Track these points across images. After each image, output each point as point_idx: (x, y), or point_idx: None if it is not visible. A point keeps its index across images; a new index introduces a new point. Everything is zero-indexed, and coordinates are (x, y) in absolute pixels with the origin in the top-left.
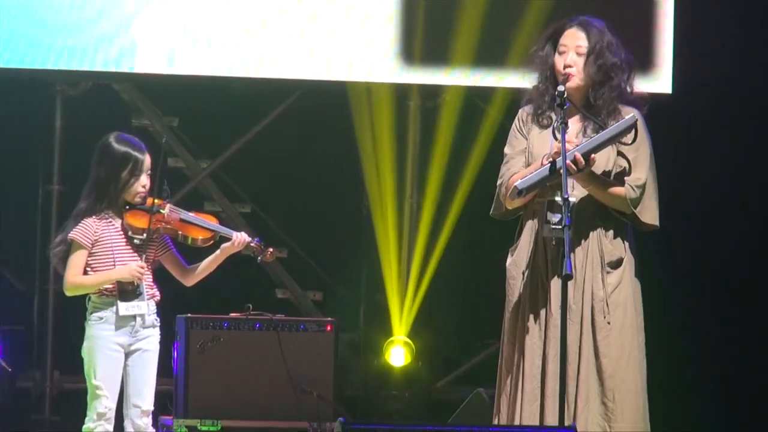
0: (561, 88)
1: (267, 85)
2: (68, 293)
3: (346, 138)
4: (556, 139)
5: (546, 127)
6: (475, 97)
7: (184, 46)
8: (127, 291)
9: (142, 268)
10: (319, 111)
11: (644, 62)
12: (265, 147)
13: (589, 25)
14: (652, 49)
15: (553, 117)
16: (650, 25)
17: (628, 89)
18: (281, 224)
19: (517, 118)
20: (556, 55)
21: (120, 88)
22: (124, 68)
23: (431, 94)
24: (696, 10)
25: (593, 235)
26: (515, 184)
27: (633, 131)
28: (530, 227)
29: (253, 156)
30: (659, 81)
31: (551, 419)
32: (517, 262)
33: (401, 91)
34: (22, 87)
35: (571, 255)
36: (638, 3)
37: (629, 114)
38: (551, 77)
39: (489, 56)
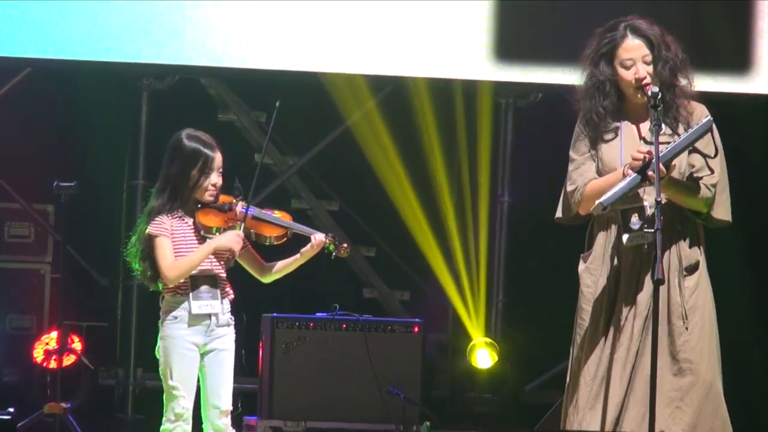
0: (655, 89)
1: (357, 81)
2: (172, 282)
3: (437, 135)
4: (646, 142)
5: (611, 139)
6: (567, 95)
7: (273, 40)
8: (202, 289)
9: (241, 236)
10: (409, 108)
11: (740, 62)
12: (354, 144)
13: (643, 31)
14: (749, 49)
15: (620, 127)
16: (747, 25)
17: (690, 84)
18: (369, 222)
19: (578, 124)
20: (621, 69)
21: (206, 82)
22: (211, 62)
23: (524, 92)
24: None
25: (672, 240)
26: (600, 201)
27: (709, 135)
28: (604, 235)
29: (341, 153)
30: (755, 81)
31: (629, 425)
32: (591, 269)
33: (494, 89)
34: (109, 81)
35: (641, 259)
36: (734, 2)
37: (699, 110)
38: (612, 91)
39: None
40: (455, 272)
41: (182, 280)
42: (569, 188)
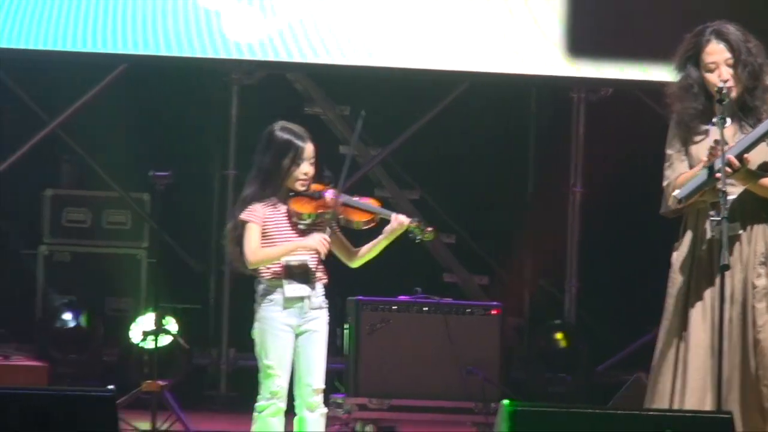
0: (721, 84)
1: (435, 77)
2: (252, 266)
3: (512, 128)
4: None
5: (701, 141)
6: (638, 91)
7: (356, 36)
8: (295, 274)
9: (327, 240)
10: (486, 101)
11: None
12: (434, 135)
13: (726, 35)
14: None
15: (708, 129)
16: None
17: None
18: (448, 210)
19: (672, 123)
20: (706, 73)
21: (293, 77)
22: (297, 59)
23: (595, 87)
24: None
25: (758, 228)
26: (674, 194)
27: None
28: (693, 224)
29: (422, 144)
30: None
31: (708, 405)
32: (681, 256)
33: (566, 85)
34: (201, 76)
35: (730, 247)
36: None
37: None
38: (701, 94)
39: (653, 50)
40: (532, 258)
41: (278, 268)
42: (664, 184)
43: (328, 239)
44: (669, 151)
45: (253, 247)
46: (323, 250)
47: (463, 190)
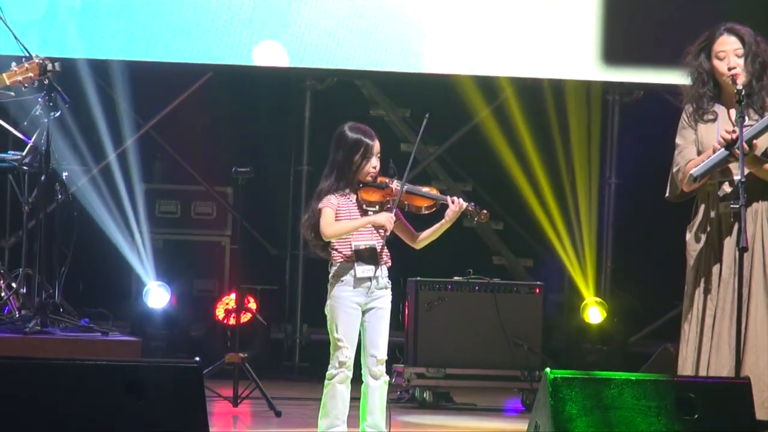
0: (739, 87)
1: (487, 82)
2: (327, 239)
3: (555, 127)
4: (733, 124)
5: (710, 121)
6: (666, 93)
7: (414, 46)
8: (363, 257)
9: (393, 218)
10: (531, 103)
11: None
12: (486, 134)
13: (738, 30)
14: None
15: (717, 111)
16: None
17: None
18: (498, 201)
19: (683, 113)
20: (715, 60)
21: (360, 83)
22: (365, 67)
23: (628, 89)
24: None
25: (762, 209)
26: (691, 172)
27: None
28: (706, 206)
29: (474, 142)
30: None
31: (727, 371)
32: (695, 236)
33: (602, 88)
34: (279, 82)
35: (746, 231)
36: None
37: None
38: (710, 80)
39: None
40: (572, 243)
41: (348, 252)
42: (674, 169)
43: (394, 217)
44: (678, 140)
45: (329, 222)
46: (390, 226)
47: (510, 183)
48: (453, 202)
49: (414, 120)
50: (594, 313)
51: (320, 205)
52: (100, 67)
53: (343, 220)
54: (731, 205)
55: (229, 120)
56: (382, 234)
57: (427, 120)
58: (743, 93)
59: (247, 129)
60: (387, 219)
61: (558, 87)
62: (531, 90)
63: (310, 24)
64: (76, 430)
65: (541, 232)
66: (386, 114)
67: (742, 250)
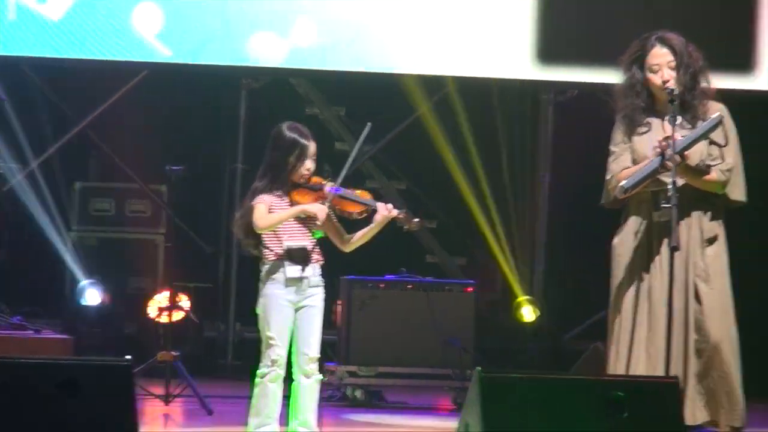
0: (671, 87)
1: (421, 80)
2: (260, 231)
3: (490, 125)
4: (665, 130)
5: (644, 132)
6: (600, 92)
7: (350, 44)
8: (295, 256)
9: (325, 209)
10: (465, 102)
11: (744, 61)
12: (420, 133)
13: (669, 41)
14: (751, 48)
15: (651, 122)
16: (749, 24)
17: (709, 86)
18: (431, 199)
19: (617, 125)
20: (649, 74)
21: (295, 82)
22: (300, 65)
23: (562, 89)
24: None
25: (695, 216)
26: (621, 183)
27: (720, 127)
28: (636, 212)
29: (409, 141)
30: (758, 79)
31: (658, 371)
32: (624, 241)
33: (536, 87)
34: (213, 81)
35: (677, 231)
36: (737, 4)
37: (714, 108)
38: (643, 92)
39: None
40: (506, 241)
41: (280, 251)
42: (607, 177)
43: (327, 210)
44: (613, 148)
45: (261, 214)
46: (322, 216)
47: (445, 181)
48: (384, 210)
49: (349, 118)
50: (527, 311)
51: (253, 203)
52: (35, 65)
53: None
54: (662, 204)
55: (163, 118)
56: (312, 233)
57: (369, 128)
58: (675, 93)
59: (182, 127)
60: (320, 209)
61: (493, 85)
62: (467, 88)
63: (245, 22)
64: (6, 427)
65: (475, 231)
66: (321, 112)
67: (673, 249)
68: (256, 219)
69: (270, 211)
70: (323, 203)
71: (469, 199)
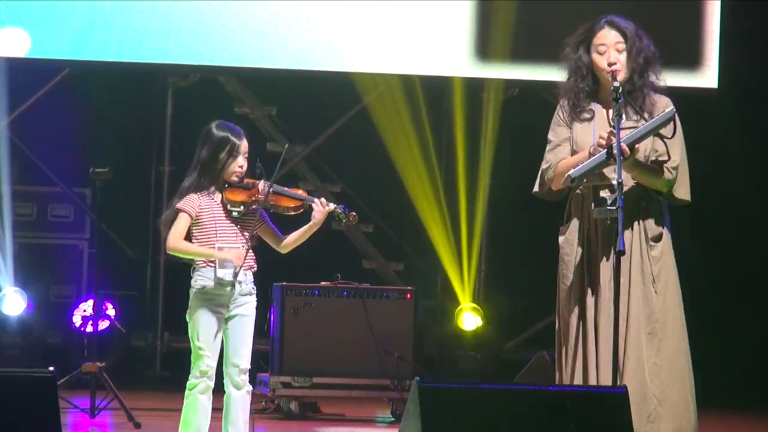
0: (616, 83)
1: (357, 78)
2: (168, 252)
3: (429, 125)
4: (611, 124)
5: (586, 120)
6: (543, 90)
7: (280, 42)
8: (226, 263)
9: (243, 256)
10: (404, 101)
11: (691, 59)
12: (355, 133)
13: (619, 24)
14: (700, 46)
15: (594, 110)
16: (697, 23)
17: (658, 79)
18: (368, 202)
19: (558, 108)
20: (595, 55)
21: (224, 80)
22: (228, 63)
23: (504, 87)
24: (743, 8)
25: (638, 215)
26: (569, 173)
27: (672, 123)
28: (580, 209)
29: (344, 141)
30: (706, 77)
31: (604, 380)
32: (569, 240)
33: (476, 84)
34: (139, 79)
35: (623, 234)
36: (687, 8)
37: (662, 102)
38: (588, 75)
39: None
40: (445, 246)
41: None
42: (544, 166)
43: (243, 255)
44: (551, 137)
45: (177, 235)
46: (237, 264)
47: (381, 183)
48: (320, 204)
49: (280, 118)
50: (469, 318)
51: (179, 205)
52: None
53: (205, 221)
54: (608, 207)
55: (87, 118)
56: (248, 237)
57: (286, 150)
58: (620, 90)
59: (107, 128)
60: (235, 256)
61: (431, 84)
62: (404, 87)
63: (173, 19)
64: None
65: (413, 235)
66: (251, 112)
67: (619, 253)
68: (170, 235)
69: (200, 213)
70: (257, 202)
71: (407, 203)
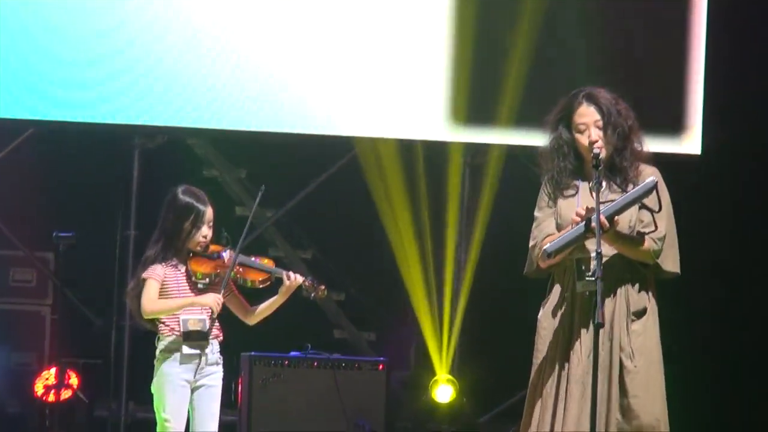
0: (596, 150)
1: (328, 142)
2: (147, 317)
3: (403, 190)
4: (592, 196)
5: (570, 196)
6: (520, 155)
7: (251, 104)
8: (192, 332)
9: (221, 299)
10: (375, 166)
11: (675, 125)
12: (326, 198)
13: (597, 98)
14: (683, 112)
15: (578, 185)
16: (681, 89)
17: (641, 147)
18: (339, 269)
19: (543, 184)
20: (576, 134)
21: (193, 142)
22: (197, 124)
23: (477, 152)
24: (727, 75)
25: (621, 288)
26: (544, 247)
27: (654, 193)
28: (561, 282)
29: (315, 206)
30: (689, 143)
31: None
32: (548, 314)
33: (449, 149)
34: (104, 140)
35: (602, 306)
36: (669, 67)
37: (648, 171)
38: (570, 153)
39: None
40: (419, 316)
41: (176, 326)
42: (531, 243)
43: (222, 298)
44: (537, 213)
45: (151, 298)
46: (216, 308)
47: (353, 250)
48: (288, 277)
49: (250, 181)
50: (443, 391)
51: (145, 274)
52: None
53: (171, 292)
54: (587, 277)
55: (51, 180)
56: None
57: (262, 192)
58: (600, 157)
59: (71, 190)
60: (213, 300)
61: (407, 148)
62: (379, 151)
63: (139, 79)
64: None
65: (386, 304)
66: (220, 175)
67: (598, 326)
68: (144, 301)
69: (164, 285)
70: (223, 273)
71: (380, 270)
